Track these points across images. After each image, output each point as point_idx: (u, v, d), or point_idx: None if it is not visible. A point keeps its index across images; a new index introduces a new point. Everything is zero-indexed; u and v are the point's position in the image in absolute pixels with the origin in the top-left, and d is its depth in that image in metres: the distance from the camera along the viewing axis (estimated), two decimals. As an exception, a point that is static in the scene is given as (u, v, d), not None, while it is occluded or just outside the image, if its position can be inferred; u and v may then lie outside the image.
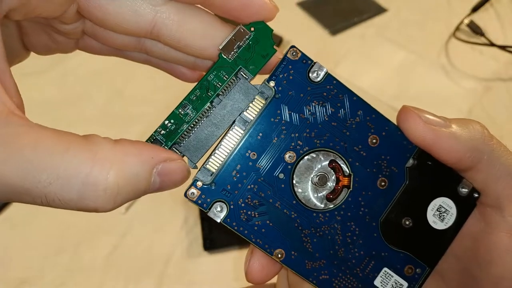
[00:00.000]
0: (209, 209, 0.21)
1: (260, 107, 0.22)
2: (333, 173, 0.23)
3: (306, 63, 0.22)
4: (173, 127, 0.21)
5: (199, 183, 0.21)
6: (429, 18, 0.74)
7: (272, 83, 0.22)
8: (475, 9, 0.73)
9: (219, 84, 0.21)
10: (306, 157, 0.22)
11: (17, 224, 0.51)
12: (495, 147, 0.22)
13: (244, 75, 0.21)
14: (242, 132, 0.22)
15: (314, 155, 0.22)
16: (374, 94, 0.63)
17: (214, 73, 0.21)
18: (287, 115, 0.22)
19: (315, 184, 0.22)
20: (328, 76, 0.22)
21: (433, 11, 0.75)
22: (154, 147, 0.19)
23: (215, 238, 0.48)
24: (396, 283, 0.23)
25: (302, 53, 0.22)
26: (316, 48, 0.70)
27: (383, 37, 0.71)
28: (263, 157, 0.22)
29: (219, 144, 0.22)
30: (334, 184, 0.23)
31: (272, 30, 0.21)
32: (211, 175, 0.21)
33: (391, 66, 0.67)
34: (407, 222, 0.23)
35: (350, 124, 0.22)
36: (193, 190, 0.21)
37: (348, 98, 0.22)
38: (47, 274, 0.47)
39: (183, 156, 0.21)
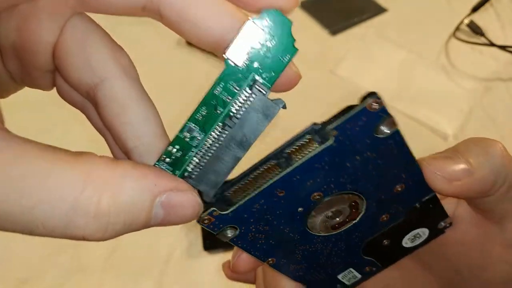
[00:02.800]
0: (219, 232, 0.20)
1: (309, 151, 0.18)
2: (348, 210, 0.21)
3: (381, 116, 0.18)
4: (179, 153, 0.18)
5: (216, 213, 0.19)
6: (429, 18, 0.74)
7: (334, 132, 0.18)
8: (475, 9, 0.73)
9: (228, 98, 0.17)
10: (330, 196, 0.20)
11: (17, 224, 0.51)
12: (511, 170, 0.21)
13: (260, 89, 0.17)
14: (279, 171, 0.19)
15: (339, 196, 0.21)
16: (374, 94, 0.63)
17: (221, 85, 0.17)
18: (334, 163, 0.19)
19: (327, 217, 0.22)
20: (394, 133, 0.18)
21: (433, 11, 0.75)
22: (160, 172, 0.16)
23: (215, 238, 0.48)
24: (353, 276, 0.25)
25: (383, 106, 0.17)
26: (316, 48, 0.70)
27: (383, 37, 0.71)
28: (290, 196, 0.19)
29: (246, 176, 0.19)
30: (344, 218, 0.22)
31: (292, 23, 0.17)
32: (230, 204, 0.19)
33: (391, 66, 0.67)
34: (386, 242, 0.24)
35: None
36: (208, 217, 0.19)
37: (403, 160, 0.20)
38: (47, 274, 0.47)
39: (197, 190, 0.18)
